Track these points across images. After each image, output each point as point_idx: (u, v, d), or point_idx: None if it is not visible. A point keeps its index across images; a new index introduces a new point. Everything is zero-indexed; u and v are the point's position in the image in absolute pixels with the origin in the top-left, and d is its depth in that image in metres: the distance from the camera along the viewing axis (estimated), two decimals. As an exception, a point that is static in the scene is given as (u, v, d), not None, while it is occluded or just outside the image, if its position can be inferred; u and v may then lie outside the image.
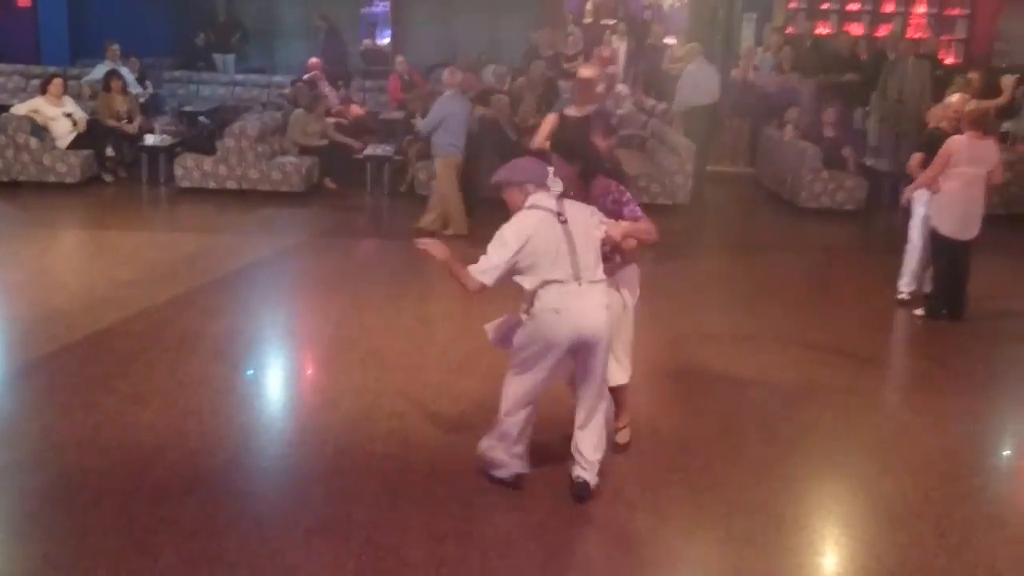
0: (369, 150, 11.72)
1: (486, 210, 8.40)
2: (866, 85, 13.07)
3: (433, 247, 4.43)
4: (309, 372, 6.50)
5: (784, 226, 11.15)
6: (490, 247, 4.36)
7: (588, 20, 16.71)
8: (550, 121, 7.83)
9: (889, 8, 15.48)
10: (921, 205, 7.74)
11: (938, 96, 10.44)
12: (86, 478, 4.72)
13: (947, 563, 4.26)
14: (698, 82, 12.35)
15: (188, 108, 13.98)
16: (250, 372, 6.30)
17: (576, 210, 4.46)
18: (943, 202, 7.44)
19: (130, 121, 12.04)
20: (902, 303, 7.84)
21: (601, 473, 4.62)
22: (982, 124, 7.39)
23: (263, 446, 5.24)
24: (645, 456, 5.16)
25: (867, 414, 6.00)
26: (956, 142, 7.34)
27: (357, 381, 6.02)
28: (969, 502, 4.83)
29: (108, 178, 11.68)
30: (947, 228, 7.45)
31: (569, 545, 4.28)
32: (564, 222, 4.36)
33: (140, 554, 4.10)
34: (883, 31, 15.10)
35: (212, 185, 11.16)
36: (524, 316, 4.43)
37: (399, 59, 14.06)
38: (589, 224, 4.47)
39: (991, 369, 6.84)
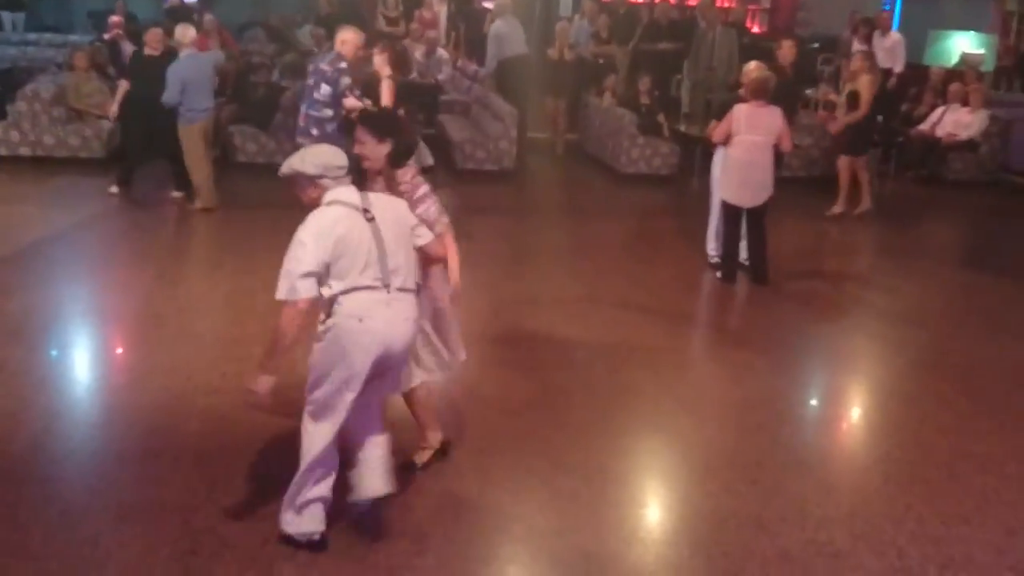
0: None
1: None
2: (679, 53, 13.49)
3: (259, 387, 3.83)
4: (114, 351, 6.14)
5: (605, 191, 11.40)
6: (286, 258, 3.68)
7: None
8: (390, 87, 7.73)
9: (699, -22, 15.98)
10: (718, 170, 8.02)
11: (745, 63, 10.88)
12: None
13: (759, 508, 4.47)
14: (506, 35, 12.59)
15: (-26, 70, 12.89)
16: (53, 352, 5.90)
17: (385, 205, 3.89)
18: (726, 168, 7.71)
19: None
20: (713, 266, 8.15)
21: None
22: (763, 93, 7.58)
23: (66, 430, 4.90)
24: (471, 420, 5.16)
25: (681, 370, 6.23)
26: (738, 110, 7.59)
27: (168, 358, 5.73)
28: (779, 450, 5.08)
29: None
30: (728, 194, 7.71)
31: (399, 511, 4.21)
32: (371, 220, 3.77)
33: (-72, 552, 3.78)
34: (694, 1, 15.59)
35: (3, 152, 10.38)
36: (320, 329, 3.80)
37: (208, 18, 13.39)
38: (401, 223, 3.92)
39: (794, 326, 7.22)
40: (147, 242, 8.23)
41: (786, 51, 9.66)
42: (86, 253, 8.00)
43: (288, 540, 3.94)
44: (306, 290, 3.65)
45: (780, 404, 5.75)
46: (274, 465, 4.54)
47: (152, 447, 4.68)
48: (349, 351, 3.72)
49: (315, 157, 3.86)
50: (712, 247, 8.22)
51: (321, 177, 3.83)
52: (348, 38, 7.97)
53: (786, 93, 8.94)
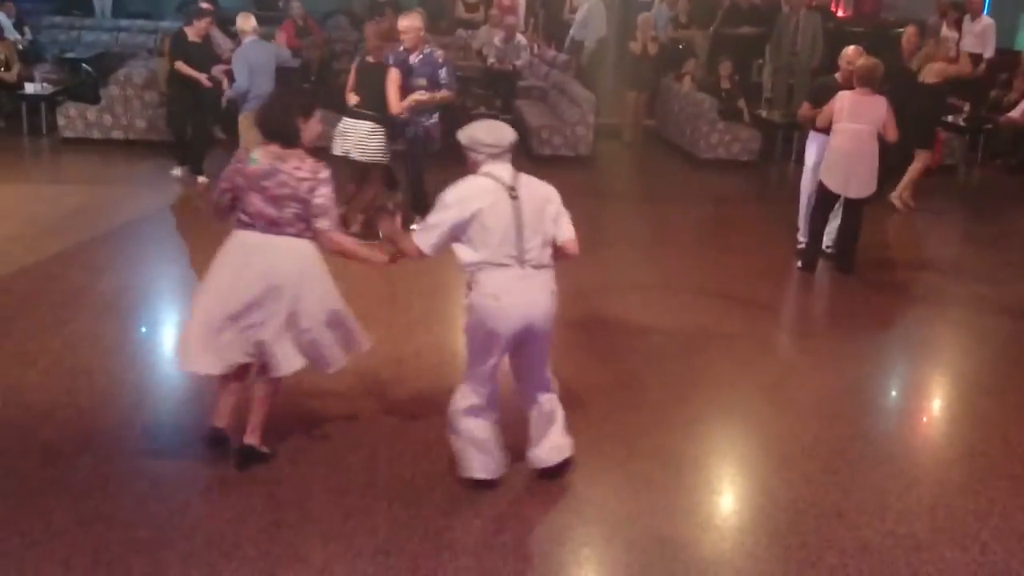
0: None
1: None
2: (761, 38, 13.28)
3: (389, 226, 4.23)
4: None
5: (683, 177, 11.31)
6: (432, 213, 4.03)
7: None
8: (353, 70, 7.89)
9: (783, -39, 15.69)
10: (811, 155, 7.87)
11: (830, 48, 10.68)
12: (-31, 441, 4.53)
13: (838, 498, 4.42)
14: (598, 15, 12.59)
15: (70, 55, 13.35)
16: (143, 329, 6.10)
17: (533, 189, 4.08)
18: (830, 157, 7.46)
19: (8, 69, 11.48)
20: (799, 252, 8.01)
21: (503, 423, 4.63)
22: (871, 80, 7.30)
23: (156, 404, 5.09)
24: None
25: (761, 358, 6.17)
26: (841, 97, 7.34)
27: (255, 336, 5.87)
28: (859, 441, 5.01)
29: (-15, 129, 11.15)
30: (832, 183, 7.47)
31: (474, 492, 4.28)
32: (514, 198, 3.97)
33: (31, 516, 3.95)
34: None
35: (97, 135, 10.73)
36: (465, 304, 4.10)
37: (294, 4, 13.63)
38: (544, 208, 4.07)
39: (876, 315, 7.09)
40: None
41: (910, 37, 9.35)
42: (175, 233, 8.25)
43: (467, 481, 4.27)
44: (426, 243, 4.01)
45: (861, 394, 5.66)
46: (358, 441, 4.66)
47: (238, 422, 4.80)
48: (491, 326, 4.00)
49: (471, 130, 4.12)
50: (802, 232, 8.06)
51: (471, 150, 4.07)
52: (403, 24, 7.86)
53: (910, 84, 8.72)
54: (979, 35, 12.92)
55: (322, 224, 4.20)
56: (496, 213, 3.94)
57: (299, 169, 4.14)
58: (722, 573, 3.88)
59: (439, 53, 7.92)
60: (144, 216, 8.39)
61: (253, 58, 8.73)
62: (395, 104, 7.55)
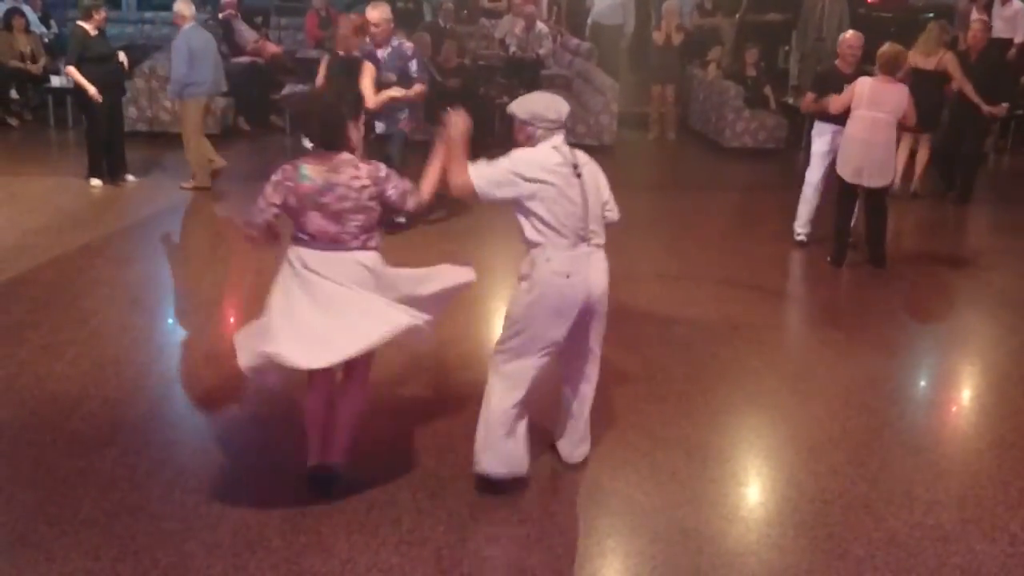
0: (287, 90, 11.43)
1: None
2: (788, 24, 13.16)
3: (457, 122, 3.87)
4: (229, 321, 6.35)
5: (708, 166, 11.24)
6: (495, 162, 3.85)
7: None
8: (323, 64, 7.95)
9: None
10: (817, 145, 7.74)
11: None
12: (0, 430, 4.58)
13: (866, 490, 4.38)
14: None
15: (95, 48, 13.39)
16: (169, 320, 6.14)
17: (591, 167, 4.07)
18: (844, 145, 7.31)
19: (34, 62, 11.56)
20: (800, 244, 7.93)
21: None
22: (893, 68, 7.14)
23: (183, 395, 5.12)
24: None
25: (786, 349, 6.13)
26: (860, 83, 7.16)
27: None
28: (886, 431, 4.96)
29: (13, 122, 11.28)
30: (845, 172, 7.33)
31: (499, 485, 4.27)
32: (579, 176, 3.93)
33: (59, 506, 3.99)
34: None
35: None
36: (523, 284, 3.94)
37: (317, -5, 13.64)
38: (599, 188, 4.09)
39: (905, 306, 7.02)
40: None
41: (975, 33, 9.11)
42: (202, 225, 8.29)
43: (487, 481, 4.15)
44: (485, 185, 3.82)
45: (889, 385, 5.60)
46: (381, 431, 4.66)
47: (265, 413, 4.85)
48: (558, 305, 3.91)
49: (530, 103, 3.97)
50: (800, 224, 7.97)
51: (528, 124, 3.92)
52: (371, 16, 7.61)
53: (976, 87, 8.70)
54: (1009, 20, 12.72)
55: (411, 204, 3.98)
56: (568, 190, 3.87)
57: (357, 178, 3.82)
58: (748, 565, 3.86)
59: (408, 45, 7.68)
60: (170, 208, 8.43)
61: (194, 44, 8.49)
62: (370, 98, 7.13)
